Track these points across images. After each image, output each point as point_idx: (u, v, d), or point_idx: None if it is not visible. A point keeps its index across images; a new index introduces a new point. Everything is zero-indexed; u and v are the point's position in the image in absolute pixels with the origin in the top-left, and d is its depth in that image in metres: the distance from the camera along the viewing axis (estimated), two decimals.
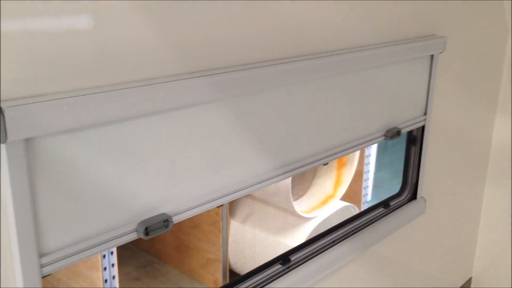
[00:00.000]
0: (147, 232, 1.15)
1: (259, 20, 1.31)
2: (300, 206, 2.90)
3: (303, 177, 3.01)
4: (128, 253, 3.03)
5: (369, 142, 1.74)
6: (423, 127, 2.01)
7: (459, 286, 2.78)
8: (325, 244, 1.76)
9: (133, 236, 1.15)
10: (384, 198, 2.09)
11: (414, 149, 2.05)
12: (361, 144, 1.71)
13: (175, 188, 1.21)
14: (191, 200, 1.25)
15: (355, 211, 3.06)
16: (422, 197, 2.15)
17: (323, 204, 2.97)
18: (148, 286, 2.83)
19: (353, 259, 1.84)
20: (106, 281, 2.35)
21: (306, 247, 1.71)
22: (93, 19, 0.99)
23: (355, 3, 1.58)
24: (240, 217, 2.89)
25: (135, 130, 1.10)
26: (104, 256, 2.34)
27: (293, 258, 1.66)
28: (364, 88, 1.67)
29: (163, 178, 1.18)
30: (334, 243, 1.78)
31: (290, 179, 2.64)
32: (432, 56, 1.94)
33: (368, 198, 3.52)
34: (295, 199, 2.91)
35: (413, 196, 2.12)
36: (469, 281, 2.85)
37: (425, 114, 2.00)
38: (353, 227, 1.87)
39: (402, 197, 2.10)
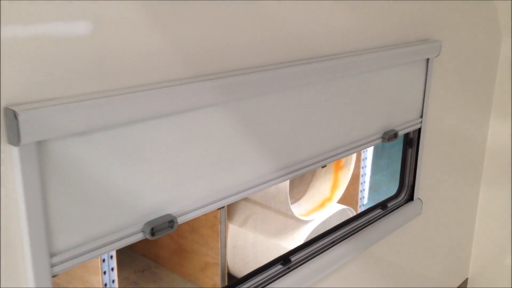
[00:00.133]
0: (153, 232, 1.17)
1: (260, 25, 1.33)
2: (298, 209, 2.90)
3: (301, 180, 3.02)
4: (126, 258, 3.03)
5: (367, 144, 1.77)
6: (419, 130, 2.03)
7: (456, 287, 2.80)
8: (325, 244, 1.78)
9: (139, 237, 1.17)
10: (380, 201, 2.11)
11: (410, 151, 2.07)
12: (359, 146, 1.73)
13: (180, 189, 1.23)
14: (195, 201, 1.27)
15: (352, 214, 3.07)
16: (418, 198, 2.17)
17: (320, 207, 2.98)
18: None
19: (352, 259, 1.86)
20: (105, 285, 2.34)
21: (306, 247, 1.73)
22: (101, 26, 1.01)
23: (353, 9, 1.60)
24: (239, 221, 2.90)
25: (141, 133, 1.12)
26: (103, 260, 2.34)
27: (294, 258, 1.68)
28: (362, 91, 1.69)
29: (168, 179, 1.20)
30: (333, 243, 1.80)
31: (288, 182, 2.65)
32: (427, 59, 1.96)
33: (365, 201, 3.53)
34: (292, 202, 2.90)
35: (410, 198, 2.14)
36: (465, 281, 2.85)
37: (421, 116, 2.02)
38: (351, 228, 1.89)
39: (399, 199, 2.12)
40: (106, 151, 1.07)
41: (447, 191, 2.47)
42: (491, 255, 2.79)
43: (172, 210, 1.22)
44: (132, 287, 2.84)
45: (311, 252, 1.73)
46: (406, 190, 2.13)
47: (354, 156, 3.00)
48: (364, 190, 3.48)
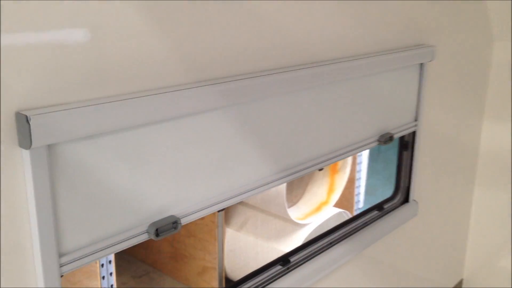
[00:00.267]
0: (157, 233, 1.19)
1: (260, 32, 1.36)
2: (295, 212, 2.90)
3: (297, 184, 3.02)
4: (124, 263, 3.00)
5: (363, 147, 1.79)
6: (414, 133, 2.06)
7: (451, 287, 2.81)
8: (323, 245, 1.80)
9: (144, 237, 1.19)
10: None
11: (406, 154, 2.10)
12: (356, 149, 1.76)
13: (183, 191, 1.26)
14: (198, 203, 1.29)
15: (348, 217, 3.06)
16: (414, 200, 2.19)
17: (317, 211, 2.96)
18: None
19: (349, 260, 1.88)
20: None
21: (305, 248, 1.75)
22: (107, 35, 1.04)
23: (349, 17, 1.63)
24: (236, 225, 2.89)
25: (145, 137, 1.15)
26: (102, 265, 2.33)
27: (293, 259, 1.70)
28: (358, 96, 1.72)
29: (172, 182, 1.23)
30: (331, 244, 1.82)
31: (285, 186, 2.65)
32: (421, 64, 1.99)
33: (360, 205, 3.53)
34: (289, 206, 2.90)
35: (406, 199, 2.16)
36: (460, 282, 2.87)
37: (416, 120, 2.04)
38: (349, 229, 1.91)
39: (395, 200, 2.14)
40: (112, 155, 1.10)
41: (442, 193, 2.49)
42: (485, 255, 2.81)
43: (175, 211, 1.25)
44: None
45: (310, 253, 1.75)
46: (402, 192, 2.15)
47: (350, 159, 3.00)
48: (359, 194, 3.48)
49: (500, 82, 2.57)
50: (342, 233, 1.88)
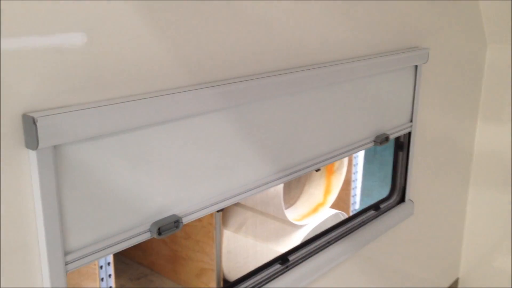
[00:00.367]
0: (160, 232, 1.22)
1: (259, 35, 1.39)
2: (292, 214, 2.91)
3: (294, 185, 3.03)
4: (122, 266, 3.01)
5: (360, 148, 1.81)
6: (409, 133, 2.08)
7: (447, 286, 2.82)
8: (321, 244, 1.82)
9: (147, 236, 1.21)
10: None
11: (401, 155, 2.12)
12: (353, 149, 1.78)
13: (185, 191, 1.28)
14: (199, 202, 1.32)
15: (344, 217, 3.08)
16: (410, 199, 2.21)
17: (314, 212, 2.98)
18: None
19: (347, 259, 1.90)
20: None
21: (303, 247, 1.78)
22: (111, 39, 1.07)
23: (346, 20, 1.66)
24: (233, 226, 2.90)
25: (147, 138, 1.17)
26: (101, 267, 2.34)
27: (291, 258, 1.72)
28: (354, 97, 1.74)
29: (173, 181, 1.25)
30: (329, 244, 1.84)
31: (282, 188, 2.67)
32: (416, 66, 2.01)
33: (357, 206, 3.54)
34: (286, 208, 2.91)
35: (402, 199, 2.18)
36: (456, 281, 2.88)
37: (411, 121, 2.06)
38: (346, 228, 1.93)
39: (391, 200, 2.16)
40: (114, 155, 1.12)
41: (437, 193, 2.51)
42: (481, 254, 2.82)
43: (177, 210, 1.27)
44: None
45: (308, 252, 1.77)
46: (398, 192, 2.17)
47: (346, 161, 3.01)
48: (355, 195, 3.50)
49: (494, 83, 2.59)
50: (340, 232, 1.90)
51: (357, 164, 3.44)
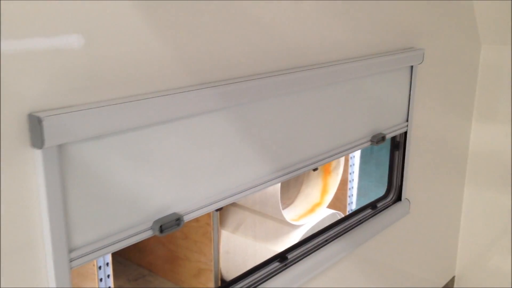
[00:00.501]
0: (161, 229, 1.24)
1: (258, 37, 1.41)
2: (289, 214, 2.92)
3: (291, 186, 3.04)
4: (119, 267, 3.00)
5: (357, 147, 1.83)
6: (405, 133, 2.10)
7: (443, 284, 2.84)
8: (319, 243, 1.84)
9: (149, 234, 1.23)
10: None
11: (398, 154, 2.14)
12: (350, 149, 1.80)
13: (185, 189, 1.30)
14: (199, 201, 1.34)
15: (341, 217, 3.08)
16: (406, 198, 2.23)
17: (311, 212, 2.99)
18: None
19: (344, 257, 1.92)
20: None
21: (301, 246, 1.80)
22: (113, 41, 1.09)
23: (343, 21, 1.68)
24: (231, 227, 2.91)
25: (149, 137, 1.19)
26: (100, 267, 2.34)
27: (290, 256, 1.74)
28: (351, 97, 1.76)
29: (174, 180, 1.27)
30: (326, 242, 1.86)
31: (279, 188, 2.68)
32: (411, 67, 2.03)
33: (353, 206, 3.55)
34: (284, 208, 2.92)
35: (398, 198, 2.20)
36: (452, 279, 2.89)
37: (407, 120, 2.09)
38: (344, 227, 1.95)
39: (388, 199, 2.18)
40: (117, 154, 1.14)
41: (433, 191, 2.53)
42: (477, 253, 2.83)
43: (178, 209, 1.29)
44: None
45: (306, 250, 1.79)
46: (394, 191, 2.19)
47: (342, 161, 3.03)
48: (352, 195, 3.51)
49: (488, 84, 2.61)
50: (337, 231, 1.92)
51: (353, 164, 3.45)
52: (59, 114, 0.99)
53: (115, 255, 2.79)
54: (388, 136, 1.99)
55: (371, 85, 1.85)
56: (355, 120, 1.81)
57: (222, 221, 2.92)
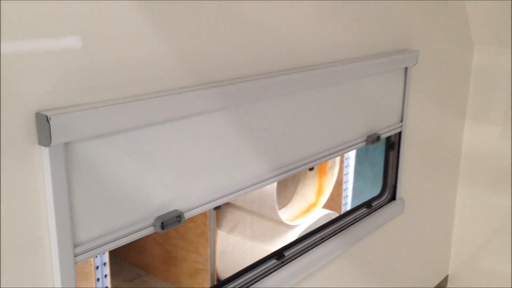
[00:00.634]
0: (163, 226, 1.26)
1: (257, 38, 1.44)
2: (285, 214, 2.94)
3: (287, 186, 3.06)
4: (116, 267, 3.00)
5: (352, 147, 1.86)
6: (400, 133, 2.13)
7: (436, 283, 2.85)
8: (315, 241, 1.87)
9: (150, 230, 1.26)
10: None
11: (392, 154, 2.16)
12: (345, 149, 1.83)
13: (186, 187, 1.32)
14: (200, 198, 1.36)
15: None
16: (401, 198, 2.26)
17: (306, 212, 3.01)
18: None
19: (340, 254, 1.94)
20: None
21: (298, 243, 1.82)
22: (118, 42, 1.11)
23: (338, 23, 1.71)
24: (227, 227, 2.92)
25: (152, 136, 1.22)
26: (97, 267, 2.35)
27: (287, 253, 1.77)
28: (347, 98, 1.79)
29: (176, 178, 1.29)
30: (322, 240, 1.88)
31: (275, 188, 2.69)
32: (406, 68, 2.06)
33: (348, 206, 3.57)
34: (279, 208, 2.92)
35: (393, 197, 2.22)
36: (445, 278, 2.91)
37: (401, 121, 2.11)
38: (339, 225, 1.98)
39: (383, 198, 2.20)
40: (121, 152, 1.16)
41: (427, 191, 2.55)
42: (470, 252, 2.85)
43: (179, 206, 1.31)
44: None
45: (303, 248, 1.82)
46: (389, 190, 2.21)
47: (337, 161, 3.04)
48: (347, 196, 3.53)
49: (481, 85, 2.63)
50: (333, 229, 1.95)
51: (348, 165, 3.47)
52: (66, 113, 1.02)
53: (111, 255, 2.79)
54: (383, 136, 2.01)
55: (367, 86, 1.87)
56: (351, 120, 1.84)
57: (218, 222, 2.93)
